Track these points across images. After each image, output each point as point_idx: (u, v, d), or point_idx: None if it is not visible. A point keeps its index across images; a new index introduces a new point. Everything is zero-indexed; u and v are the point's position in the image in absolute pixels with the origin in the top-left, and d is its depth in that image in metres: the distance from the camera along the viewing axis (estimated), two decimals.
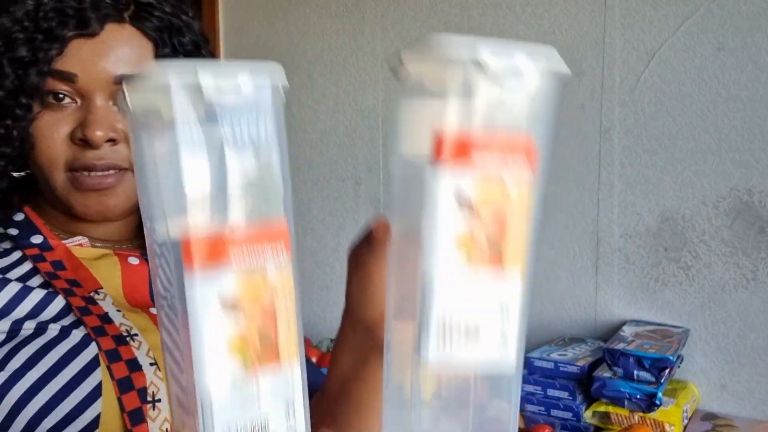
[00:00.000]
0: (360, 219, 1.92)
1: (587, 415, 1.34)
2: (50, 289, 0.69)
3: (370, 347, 0.52)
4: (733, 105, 1.40)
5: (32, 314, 0.67)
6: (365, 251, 0.50)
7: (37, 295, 0.68)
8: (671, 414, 1.30)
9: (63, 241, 0.74)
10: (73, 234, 0.75)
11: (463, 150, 0.39)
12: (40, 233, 0.73)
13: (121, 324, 0.69)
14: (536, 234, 0.40)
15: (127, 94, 0.37)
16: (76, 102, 0.70)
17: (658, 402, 1.27)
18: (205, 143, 0.37)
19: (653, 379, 1.29)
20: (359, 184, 1.90)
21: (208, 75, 0.37)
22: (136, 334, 0.69)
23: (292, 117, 2.02)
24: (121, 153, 0.70)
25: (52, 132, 0.69)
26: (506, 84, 0.39)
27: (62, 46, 0.68)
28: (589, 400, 1.37)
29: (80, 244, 0.75)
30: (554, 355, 1.42)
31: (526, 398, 1.40)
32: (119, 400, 0.65)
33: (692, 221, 1.45)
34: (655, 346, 1.33)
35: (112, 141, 0.69)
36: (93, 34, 0.69)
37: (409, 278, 0.41)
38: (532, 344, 1.56)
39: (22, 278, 0.69)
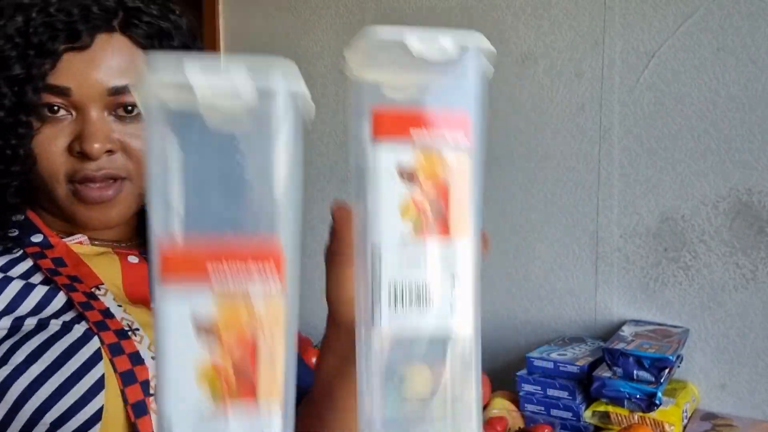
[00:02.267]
0: None
1: (587, 415, 1.35)
2: (51, 286, 0.70)
3: (351, 348, 0.48)
4: (733, 105, 1.40)
5: (34, 311, 0.68)
6: (334, 248, 0.51)
7: (38, 292, 0.69)
8: (671, 414, 1.30)
9: (63, 239, 0.75)
10: (72, 234, 0.77)
11: (401, 127, 0.40)
12: (41, 232, 0.74)
13: (122, 318, 0.71)
14: (480, 204, 0.42)
15: (142, 90, 0.34)
16: (72, 114, 0.70)
17: (657, 402, 1.27)
18: (203, 144, 0.35)
19: (653, 379, 1.29)
20: None
21: (203, 75, 0.34)
22: (137, 329, 0.70)
23: None
24: (117, 162, 0.72)
25: (51, 146, 0.70)
26: (434, 65, 0.41)
27: (54, 61, 0.68)
28: (589, 399, 1.37)
29: (80, 242, 0.76)
30: (554, 355, 1.43)
31: (525, 398, 1.40)
32: (122, 392, 0.66)
33: (692, 221, 1.46)
34: (655, 346, 1.33)
35: (109, 152, 0.71)
36: (84, 47, 0.70)
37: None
38: (531, 344, 1.56)
39: (24, 275, 0.71)
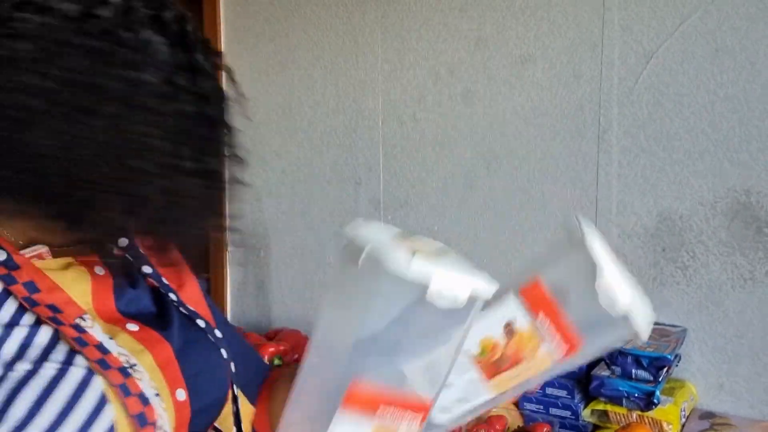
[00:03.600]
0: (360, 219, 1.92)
1: (586, 414, 1.35)
2: (32, 319, 0.63)
3: None
4: (731, 106, 1.41)
5: (20, 353, 0.61)
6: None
7: (20, 331, 0.62)
8: (669, 413, 1.30)
9: (22, 252, 0.67)
10: (29, 242, 0.68)
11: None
12: (2, 248, 0.65)
13: (119, 354, 0.65)
14: None
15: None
16: None
17: (656, 401, 1.28)
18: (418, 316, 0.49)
19: (651, 378, 1.30)
20: (359, 184, 1.91)
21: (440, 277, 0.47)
22: (135, 364, 0.66)
23: (292, 117, 2.03)
24: None
25: None
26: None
27: None
28: (588, 398, 1.38)
29: (39, 255, 0.69)
30: None
31: (524, 397, 1.41)
32: None
33: (690, 221, 1.46)
34: (653, 345, 1.34)
35: None
36: None
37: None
38: None
39: None
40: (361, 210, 1.92)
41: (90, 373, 0.61)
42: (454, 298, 0.46)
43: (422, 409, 0.51)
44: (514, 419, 1.36)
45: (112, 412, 0.61)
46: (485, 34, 1.69)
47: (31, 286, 0.64)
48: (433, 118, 1.78)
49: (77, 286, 0.68)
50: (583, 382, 1.38)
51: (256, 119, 2.11)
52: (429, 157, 1.79)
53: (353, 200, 1.93)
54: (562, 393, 1.37)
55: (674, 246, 1.48)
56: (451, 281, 0.46)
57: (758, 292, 1.40)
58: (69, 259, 0.70)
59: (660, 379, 1.30)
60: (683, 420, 1.36)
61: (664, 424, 1.28)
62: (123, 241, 0.75)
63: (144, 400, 0.63)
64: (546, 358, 0.56)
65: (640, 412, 1.30)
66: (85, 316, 0.66)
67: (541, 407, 1.38)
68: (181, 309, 0.76)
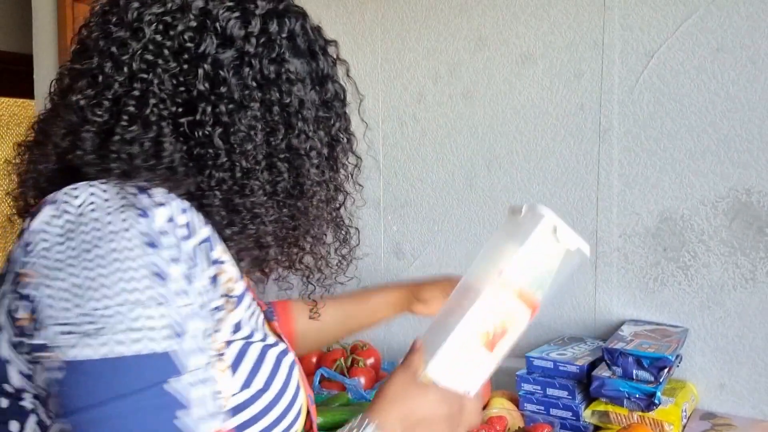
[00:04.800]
0: (360, 219, 1.92)
1: (586, 415, 1.35)
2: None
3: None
4: (732, 105, 1.40)
5: (252, 331, 0.73)
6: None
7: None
8: (670, 413, 1.30)
9: None
10: None
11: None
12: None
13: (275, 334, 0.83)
14: None
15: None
16: None
17: (657, 401, 1.27)
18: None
19: (652, 379, 1.30)
20: (359, 184, 1.90)
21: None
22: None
23: None
24: None
25: None
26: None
27: None
28: (589, 399, 1.37)
29: None
30: (553, 355, 1.43)
31: (525, 397, 1.40)
32: (304, 386, 0.79)
33: (691, 221, 1.46)
34: (654, 346, 1.33)
35: None
36: None
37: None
38: (531, 343, 1.56)
39: None
40: (361, 210, 1.91)
41: (284, 350, 0.74)
42: (570, 243, 0.83)
43: (533, 306, 0.85)
44: (515, 420, 1.36)
45: (296, 372, 0.74)
46: (485, 33, 1.68)
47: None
48: (433, 118, 1.77)
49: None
50: (583, 382, 1.37)
51: None
52: (429, 157, 1.79)
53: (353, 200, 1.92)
54: (563, 394, 1.36)
55: (675, 246, 1.48)
56: (572, 236, 0.83)
57: (759, 292, 1.40)
58: None
59: (661, 380, 1.29)
60: (684, 420, 1.36)
61: (665, 425, 1.28)
62: None
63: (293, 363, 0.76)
64: (522, 324, 0.86)
65: (641, 413, 1.29)
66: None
67: (542, 408, 1.38)
68: None
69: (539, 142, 1.62)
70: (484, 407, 1.43)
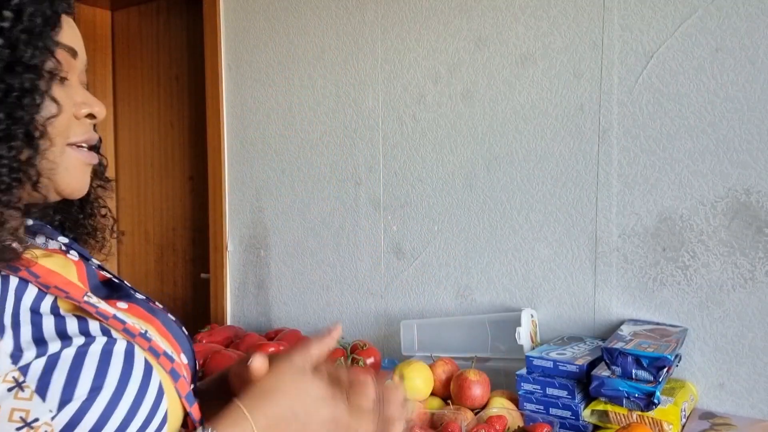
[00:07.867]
0: (360, 219, 1.93)
1: (586, 414, 1.35)
2: (53, 302, 0.66)
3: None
4: (731, 105, 1.41)
5: (63, 332, 0.64)
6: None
7: (49, 319, 0.65)
8: (669, 413, 1.30)
9: None
10: None
11: None
12: None
13: (133, 323, 0.70)
14: None
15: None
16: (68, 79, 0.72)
17: (656, 401, 1.28)
18: None
19: (651, 378, 1.30)
20: (359, 184, 1.91)
21: None
22: (147, 330, 0.70)
23: (292, 117, 2.03)
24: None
25: (64, 109, 0.69)
26: None
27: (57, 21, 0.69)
28: (588, 398, 1.37)
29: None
30: (553, 354, 1.43)
31: (525, 397, 1.40)
32: (176, 390, 0.69)
33: (690, 221, 1.46)
34: (654, 345, 1.33)
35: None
36: (71, 13, 0.73)
37: None
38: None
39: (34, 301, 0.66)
40: (360, 210, 1.91)
41: (130, 343, 0.66)
42: None
43: None
44: (515, 419, 1.36)
45: (157, 372, 0.67)
46: (485, 34, 1.69)
47: (31, 272, 0.67)
48: (433, 118, 1.78)
49: (65, 272, 0.71)
50: (583, 382, 1.37)
51: (256, 119, 2.11)
52: (429, 157, 1.79)
53: (353, 200, 1.93)
54: (563, 393, 1.37)
55: (674, 246, 1.48)
56: None
57: (758, 291, 1.40)
58: (41, 250, 0.73)
59: (660, 380, 1.30)
60: (684, 420, 1.36)
61: (665, 425, 1.28)
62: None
63: (169, 357, 0.69)
64: None
65: (640, 413, 1.29)
66: (89, 294, 0.69)
67: (542, 407, 1.38)
68: (125, 283, 0.81)
69: (539, 142, 1.62)
70: (484, 407, 1.43)
